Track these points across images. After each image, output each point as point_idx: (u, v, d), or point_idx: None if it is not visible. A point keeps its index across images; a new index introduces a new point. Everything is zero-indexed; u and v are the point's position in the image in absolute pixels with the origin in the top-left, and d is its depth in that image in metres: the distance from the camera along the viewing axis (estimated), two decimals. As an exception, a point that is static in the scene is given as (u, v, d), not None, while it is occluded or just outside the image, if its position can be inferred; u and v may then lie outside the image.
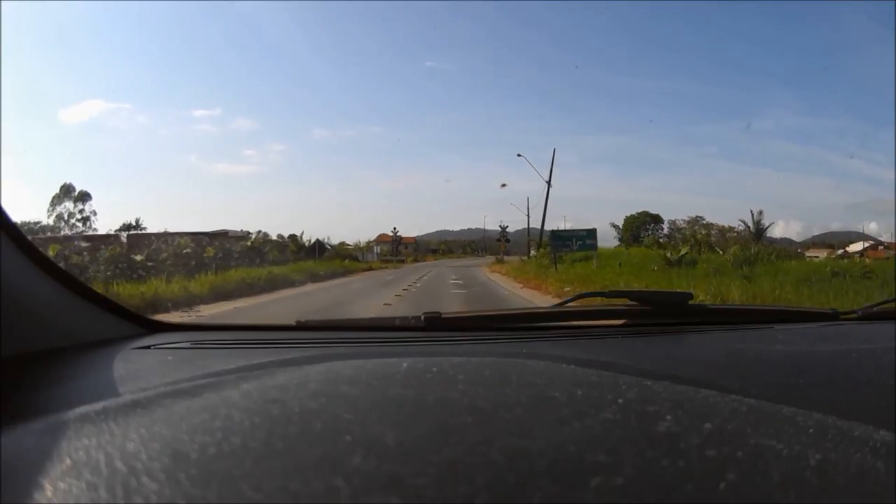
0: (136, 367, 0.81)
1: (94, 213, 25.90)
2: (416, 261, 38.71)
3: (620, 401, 0.41)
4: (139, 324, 1.04)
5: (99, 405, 0.41)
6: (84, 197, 25.35)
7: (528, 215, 29.39)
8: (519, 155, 27.60)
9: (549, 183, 24.24)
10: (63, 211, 25.53)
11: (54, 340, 0.85)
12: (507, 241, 32.20)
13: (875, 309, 1.25)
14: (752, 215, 21.66)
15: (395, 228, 39.32)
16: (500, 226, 34.50)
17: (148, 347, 0.93)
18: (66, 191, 25.00)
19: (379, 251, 34.52)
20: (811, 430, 0.38)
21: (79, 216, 25.74)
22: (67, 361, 0.81)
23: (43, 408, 0.63)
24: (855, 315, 1.23)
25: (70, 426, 0.37)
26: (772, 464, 0.32)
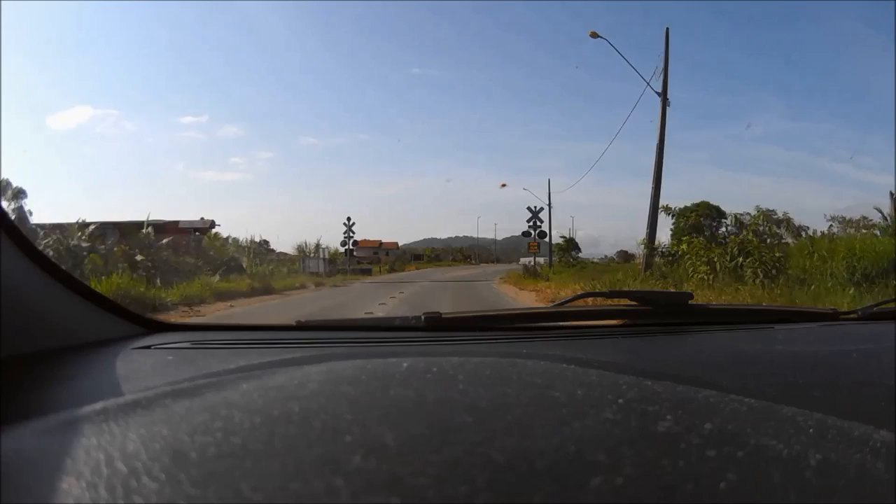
0: (136, 367, 0.81)
1: (30, 213, 23.41)
2: (392, 270, 30.75)
3: (620, 401, 0.41)
4: (139, 323, 1.04)
5: (99, 405, 0.41)
6: (19, 195, 22.96)
7: (549, 205, 21.57)
8: (595, 34, 13.89)
9: (663, 96, 13.00)
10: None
11: (54, 340, 0.85)
12: (543, 234, 21.24)
13: (875, 309, 1.26)
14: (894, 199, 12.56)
15: (348, 218, 24.92)
16: (530, 210, 20.92)
17: (148, 347, 0.93)
18: (2, 188, 23.89)
19: (326, 258, 24.97)
20: (811, 430, 0.38)
21: (13, 215, 24.65)
22: (67, 361, 0.81)
23: (43, 408, 0.63)
24: (855, 315, 1.23)
25: (70, 426, 0.37)
26: (772, 464, 0.32)
